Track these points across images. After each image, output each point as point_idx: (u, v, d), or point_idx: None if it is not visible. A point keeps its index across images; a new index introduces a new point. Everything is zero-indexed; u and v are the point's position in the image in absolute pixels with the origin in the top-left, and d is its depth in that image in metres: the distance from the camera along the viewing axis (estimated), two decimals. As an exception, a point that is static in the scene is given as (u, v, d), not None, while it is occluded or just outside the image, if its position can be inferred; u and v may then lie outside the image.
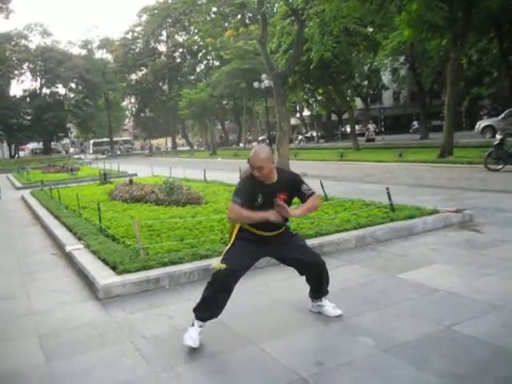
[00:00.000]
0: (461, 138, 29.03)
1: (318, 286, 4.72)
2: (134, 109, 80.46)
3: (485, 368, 3.47)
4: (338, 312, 4.71)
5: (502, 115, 33.85)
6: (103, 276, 5.93)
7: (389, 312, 4.67)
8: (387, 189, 8.93)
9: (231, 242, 4.36)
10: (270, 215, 4.10)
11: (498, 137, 16.44)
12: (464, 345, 3.86)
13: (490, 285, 5.21)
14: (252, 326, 4.60)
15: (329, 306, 4.77)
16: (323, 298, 4.79)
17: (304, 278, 4.75)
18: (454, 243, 7.14)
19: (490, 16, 24.81)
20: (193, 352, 4.08)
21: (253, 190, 4.22)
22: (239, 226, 4.35)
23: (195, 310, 4.26)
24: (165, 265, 6.17)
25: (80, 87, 67.89)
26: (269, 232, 4.35)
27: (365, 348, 3.94)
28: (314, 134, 63.35)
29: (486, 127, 34.84)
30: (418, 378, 3.41)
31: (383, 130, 55.58)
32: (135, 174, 22.40)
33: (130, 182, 14.65)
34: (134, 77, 75.62)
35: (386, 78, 58.21)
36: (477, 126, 36.47)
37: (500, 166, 16.07)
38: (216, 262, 4.22)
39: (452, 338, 4.00)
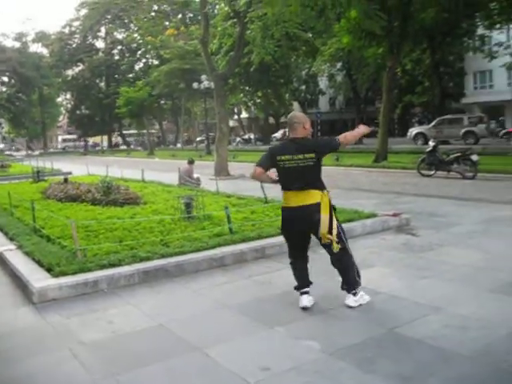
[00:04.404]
0: (394, 144, 29.83)
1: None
2: (69, 105, 78.07)
3: (429, 369, 3.53)
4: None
5: (433, 123, 35.13)
6: (38, 278, 5.67)
7: (332, 315, 4.69)
8: (327, 192, 9.01)
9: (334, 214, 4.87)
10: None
11: (431, 144, 16.96)
12: (407, 347, 3.92)
13: (429, 287, 5.34)
14: (195, 330, 4.51)
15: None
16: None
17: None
18: (392, 246, 7.29)
19: (423, 28, 25.72)
20: (134, 358, 3.95)
21: None
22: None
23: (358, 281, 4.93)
24: (103, 267, 5.97)
25: (13, 81, 65.42)
26: None
27: (310, 352, 3.93)
28: (252, 136, 63.63)
29: (417, 134, 36.09)
30: (366, 381, 3.43)
31: (319, 134, 56.35)
32: (70, 173, 21.69)
33: (65, 180, 14.18)
34: (70, 72, 73.33)
35: (322, 83, 59.21)
36: (409, 133, 37.72)
37: (432, 172, 16.62)
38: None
39: (395, 340, 4.05)
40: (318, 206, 4.68)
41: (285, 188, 4.87)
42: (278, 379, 3.52)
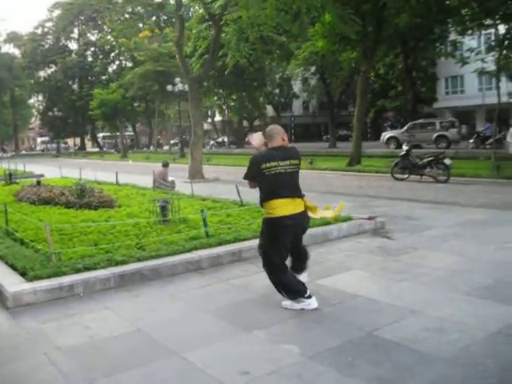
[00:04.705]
0: (367, 148, 30.05)
1: None
2: (41, 107, 76.91)
3: (409, 372, 3.55)
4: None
5: (405, 127, 35.53)
6: (12, 283, 5.55)
7: (311, 318, 4.69)
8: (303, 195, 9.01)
9: None
10: None
11: (405, 148, 17.13)
12: (386, 350, 3.93)
13: (405, 290, 5.38)
14: (173, 334, 4.46)
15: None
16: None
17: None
18: (368, 250, 7.33)
19: (397, 32, 26.02)
20: (112, 364, 3.88)
21: None
22: None
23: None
24: (78, 271, 5.87)
25: (-17, 82, 64.13)
26: None
27: (290, 355, 3.91)
28: (226, 139, 63.65)
29: (390, 138, 36.48)
30: (346, 385, 3.43)
31: (293, 137, 56.55)
32: (42, 175, 21.34)
33: (38, 183, 13.94)
34: (42, 74, 72.24)
35: (296, 87, 59.53)
36: (382, 137, 38.10)
37: (406, 176, 16.80)
38: None
39: (374, 343, 4.07)
40: (305, 212, 4.93)
41: (274, 196, 4.78)
42: (258, 383, 3.50)
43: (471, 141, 32.28)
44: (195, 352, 4.04)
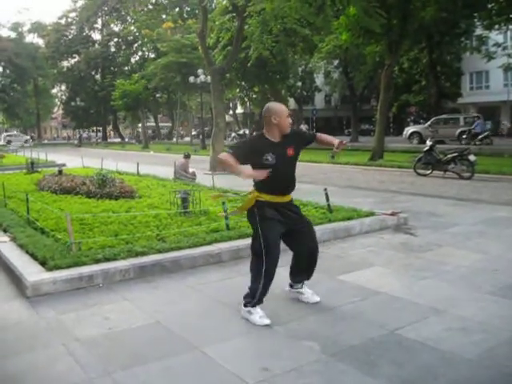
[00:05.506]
0: (389, 143, 29.78)
1: (307, 269, 4.90)
2: (64, 97, 77.61)
3: (432, 373, 3.46)
4: (317, 299, 4.92)
5: (429, 122, 35.14)
6: (32, 272, 5.55)
7: (332, 315, 4.62)
8: (325, 189, 8.92)
9: (257, 220, 4.59)
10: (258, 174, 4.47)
11: (429, 143, 16.90)
12: (409, 349, 3.84)
13: (428, 288, 5.28)
14: (192, 328, 4.42)
15: (308, 292, 4.98)
16: (303, 285, 4.96)
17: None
18: (390, 246, 7.23)
19: (422, 26, 25.67)
20: (131, 357, 3.85)
21: (258, 150, 4.50)
22: (255, 199, 4.64)
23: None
24: (98, 261, 5.86)
25: (8, 71, 64.90)
26: (282, 197, 4.65)
27: (311, 353, 3.85)
28: (247, 131, 63.60)
29: (413, 133, 36.14)
30: (367, 384, 3.36)
31: (315, 130, 56.24)
32: (64, 165, 21.52)
33: (60, 172, 14.05)
34: (65, 64, 72.87)
35: (319, 80, 59.21)
36: (405, 132, 37.79)
37: (429, 171, 16.58)
38: None
39: (397, 342, 3.98)
40: None
41: None
42: (278, 380, 3.44)
43: (464, 136, 31.81)
44: (214, 346, 3.99)
